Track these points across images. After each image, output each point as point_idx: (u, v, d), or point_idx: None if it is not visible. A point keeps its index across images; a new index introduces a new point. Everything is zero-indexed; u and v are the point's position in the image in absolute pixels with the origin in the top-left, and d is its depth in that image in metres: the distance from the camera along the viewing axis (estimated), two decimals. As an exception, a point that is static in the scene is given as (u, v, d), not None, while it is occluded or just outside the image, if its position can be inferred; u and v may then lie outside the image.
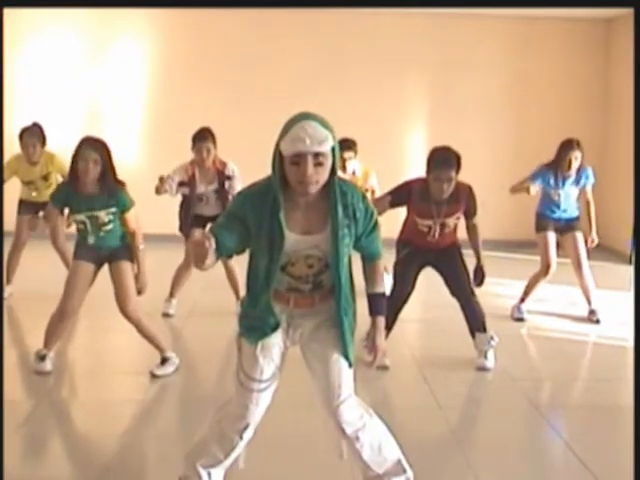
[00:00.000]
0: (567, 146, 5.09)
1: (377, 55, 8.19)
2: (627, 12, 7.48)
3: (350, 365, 2.45)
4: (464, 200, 4.19)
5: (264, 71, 8.09)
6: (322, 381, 2.46)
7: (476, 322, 4.30)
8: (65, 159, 4.64)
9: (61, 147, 5.50)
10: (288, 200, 2.28)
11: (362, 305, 2.50)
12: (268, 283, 2.36)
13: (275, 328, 2.43)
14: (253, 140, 6.47)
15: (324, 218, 2.31)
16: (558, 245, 5.32)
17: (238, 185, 5.00)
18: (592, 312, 5.38)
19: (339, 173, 2.31)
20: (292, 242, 2.30)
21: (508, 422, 3.66)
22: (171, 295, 5.34)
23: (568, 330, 5.21)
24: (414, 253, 4.28)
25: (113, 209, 3.90)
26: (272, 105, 7.13)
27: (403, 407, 3.85)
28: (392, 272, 4.36)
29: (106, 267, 4.06)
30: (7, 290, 5.59)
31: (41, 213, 5.06)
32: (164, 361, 4.12)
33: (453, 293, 4.31)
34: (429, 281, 4.56)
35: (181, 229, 5.26)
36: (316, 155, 2.16)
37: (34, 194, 5.58)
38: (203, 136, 5.00)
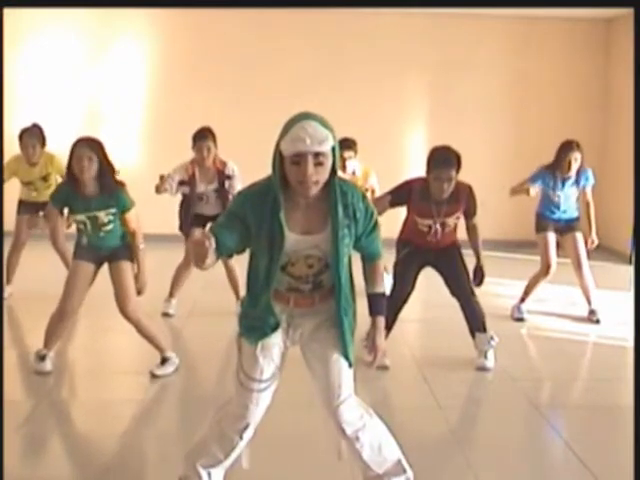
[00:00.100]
0: (567, 147, 5.09)
1: (377, 55, 8.19)
2: (627, 12, 7.48)
3: (350, 365, 2.45)
4: (464, 200, 4.19)
5: (264, 71, 8.09)
6: (322, 381, 2.45)
7: (476, 322, 4.30)
8: (65, 160, 4.63)
9: (61, 148, 5.46)
10: (288, 200, 2.28)
11: (362, 305, 2.50)
12: (268, 283, 2.35)
13: (275, 328, 2.43)
14: (253, 140, 6.47)
15: (324, 218, 2.31)
16: (558, 245, 5.32)
17: (238, 185, 5.00)
18: (592, 312, 5.38)
19: (339, 173, 2.31)
20: (292, 242, 2.30)
21: (508, 422, 3.66)
22: (171, 295, 5.34)
23: (568, 330, 5.21)
24: (414, 253, 4.28)
25: (113, 209, 3.90)
26: (272, 105, 7.13)
27: (403, 407, 3.84)
28: (392, 272, 4.36)
29: (106, 267, 4.05)
30: (7, 290, 5.58)
31: (41, 213, 5.06)
32: (164, 361, 4.11)
33: (453, 293, 4.31)
34: (429, 281, 4.56)
35: (181, 228, 5.27)
36: (316, 155, 2.16)
37: (34, 194, 5.58)
38: (203, 135, 5.01)
